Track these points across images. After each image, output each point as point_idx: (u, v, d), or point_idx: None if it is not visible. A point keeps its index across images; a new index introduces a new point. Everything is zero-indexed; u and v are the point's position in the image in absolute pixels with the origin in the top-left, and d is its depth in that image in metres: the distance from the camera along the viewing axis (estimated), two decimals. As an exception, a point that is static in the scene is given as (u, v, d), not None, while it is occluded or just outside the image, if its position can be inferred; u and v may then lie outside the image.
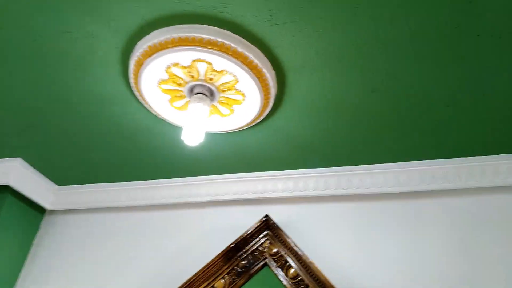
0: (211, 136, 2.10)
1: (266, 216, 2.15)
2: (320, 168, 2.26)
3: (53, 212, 2.83)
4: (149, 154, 2.33)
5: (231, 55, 1.57)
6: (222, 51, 1.56)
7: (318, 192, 2.26)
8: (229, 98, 1.78)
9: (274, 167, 2.32)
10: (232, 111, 1.85)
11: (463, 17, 1.39)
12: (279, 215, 2.27)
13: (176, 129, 2.09)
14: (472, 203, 2.05)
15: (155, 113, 1.95)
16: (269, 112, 1.88)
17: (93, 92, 1.92)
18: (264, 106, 1.81)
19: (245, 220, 2.29)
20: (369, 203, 2.20)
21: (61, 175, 2.69)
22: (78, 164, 2.53)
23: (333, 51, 1.58)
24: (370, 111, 1.85)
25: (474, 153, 2.02)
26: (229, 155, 2.26)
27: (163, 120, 2.01)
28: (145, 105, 1.91)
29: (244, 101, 1.78)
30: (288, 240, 2.06)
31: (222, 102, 1.81)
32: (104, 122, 2.11)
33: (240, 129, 1.99)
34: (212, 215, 2.45)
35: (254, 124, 1.95)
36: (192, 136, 1.69)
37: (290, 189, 2.31)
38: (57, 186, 2.81)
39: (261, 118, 1.90)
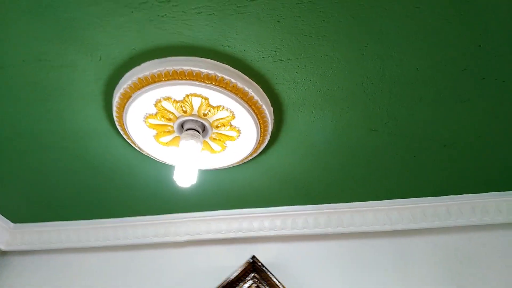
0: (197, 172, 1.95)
1: (253, 257, 2.01)
2: (310, 206, 2.16)
3: (8, 253, 2.51)
4: (122, 190, 2.13)
5: (230, 90, 1.46)
6: (220, 86, 1.44)
7: (307, 231, 2.15)
8: (222, 134, 1.65)
9: (261, 204, 2.19)
10: (224, 147, 1.72)
11: (471, 60, 1.38)
12: (266, 255, 2.13)
13: (159, 164, 1.92)
14: (462, 241, 2.04)
15: (137, 148, 1.78)
16: (263, 149, 1.77)
17: (65, 126, 1.73)
18: (259, 143, 1.70)
19: (229, 261, 2.13)
20: (359, 241, 2.12)
21: (17, 212, 2.39)
22: (38, 200, 2.26)
23: (337, 89, 1.52)
24: (366, 150, 1.79)
25: (463, 191, 2.02)
26: (213, 192, 2.11)
27: (146, 155, 1.84)
28: (127, 140, 1.74)
29: (239, 137, 1.66)
30: (278, 284, 1.93)
31: (214, 139, 1.68)
32: (75, 156, 1.90)
33: (230, 166, 1.86)
34: (193, 255, 2.26)
35: (246, 161, 1.83)
36: (185, 176, 1.54)
37: (277, 227, 2.19)
38: (12, 224, 2.51)
39: (254, 155, 1.79)
